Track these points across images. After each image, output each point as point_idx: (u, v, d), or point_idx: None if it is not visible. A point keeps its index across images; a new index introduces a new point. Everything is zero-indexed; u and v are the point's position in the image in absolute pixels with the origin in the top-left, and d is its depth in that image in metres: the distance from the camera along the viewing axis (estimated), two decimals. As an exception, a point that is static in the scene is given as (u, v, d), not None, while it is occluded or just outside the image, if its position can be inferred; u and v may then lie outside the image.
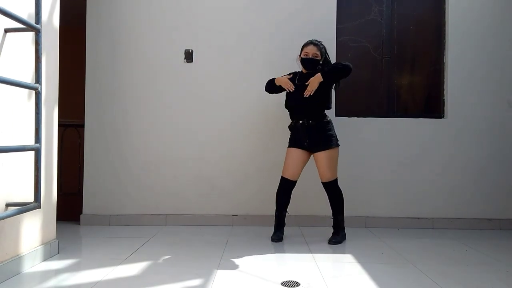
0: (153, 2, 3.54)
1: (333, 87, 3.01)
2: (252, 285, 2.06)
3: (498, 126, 3.56)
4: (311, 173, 3.13)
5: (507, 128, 3.56)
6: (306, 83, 2.88)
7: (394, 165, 3.54)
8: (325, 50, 3.01)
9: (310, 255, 2.63)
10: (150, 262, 2.42)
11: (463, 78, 3.57)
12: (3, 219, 1.95)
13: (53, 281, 2.10)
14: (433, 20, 3.69)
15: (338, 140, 2.97)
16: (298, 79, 2.99)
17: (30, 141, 2.24)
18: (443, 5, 3.66)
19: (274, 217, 3.04)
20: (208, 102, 3.54)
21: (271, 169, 3.42)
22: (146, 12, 3.53)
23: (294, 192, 3.02)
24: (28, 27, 2.08)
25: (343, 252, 2.72)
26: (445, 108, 3.61)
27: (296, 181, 2.99)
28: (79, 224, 3.46)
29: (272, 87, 3.06)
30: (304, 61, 2.97)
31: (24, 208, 2.10)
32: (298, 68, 3.07)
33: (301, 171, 2.99)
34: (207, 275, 2.18)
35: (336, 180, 2.96)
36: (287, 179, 2.97)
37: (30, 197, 2.24)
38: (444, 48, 3.64)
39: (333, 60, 3.40)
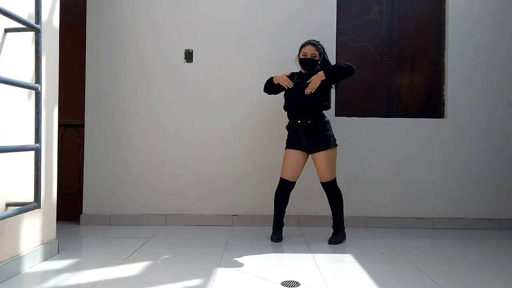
0: (153, 2, 3.54)
1: (333, 87, 3.01)
2: (252, 285, 2.06)
3: (498, 126, 3.57)
4: (311, 173, 3.12)
5: (507, 128, 3.56)
6: (308, 81, 2.88)
7: (394, 165, 3.54)
8: (324, 50, 3.01)
9: (310, 255, 2.63)
10: (150, 262, 2.42)
11: (463, 78, 3.57)
12: (3, 219, 1.95)
13: (53, 281, 2.10)
14: (433, 20, 3.69)
15: (336, 140, 2.97)
16: (297, 79, 2.98)
17: (30, 141, 2.24)
18: (443, 5, 3.66)
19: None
20: (208, 102, 3.54)
21: (271, 169, 3.42)
22: (146, 12, 3.53)
23: (294, 192, 3.02)
24: (28, 27, 2.08)
25: (343, 252, 2.72)
26: (445, 108, 3.61)
27: (295, 182, 2.99)
28: (79, 224, 3.46)
29: (270, 86, 3.05)
30: (302, 62, 2.97)
31: (24, 208, 2.10)
32: (297, 68, 3.07)
33: (300, 172, 2.99)
34: (207, 275, 2.18)
35: (335, 180, 2.96)
36: (286, 180, 2.97)
37: (30, 197, 2.24)
38: (444, 48, 3.64)
39: (332, 60, 3.40)
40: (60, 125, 2.73)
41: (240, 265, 2.39)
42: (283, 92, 3.03)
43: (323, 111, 2.97)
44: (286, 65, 3.26)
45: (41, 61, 2.19)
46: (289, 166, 2.96)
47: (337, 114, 3.55)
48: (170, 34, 3.53)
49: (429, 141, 3.55)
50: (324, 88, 2.90)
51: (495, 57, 3.57)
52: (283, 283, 2.07)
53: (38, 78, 2.18)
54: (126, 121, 3.52)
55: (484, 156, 3.56)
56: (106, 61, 3.52)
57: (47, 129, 2.48)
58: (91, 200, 3.49)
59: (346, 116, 3.57)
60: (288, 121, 3.02)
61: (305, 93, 2.85)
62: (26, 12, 2.21)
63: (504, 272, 2.32)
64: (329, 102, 2.99)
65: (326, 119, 2.98)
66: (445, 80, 3.62)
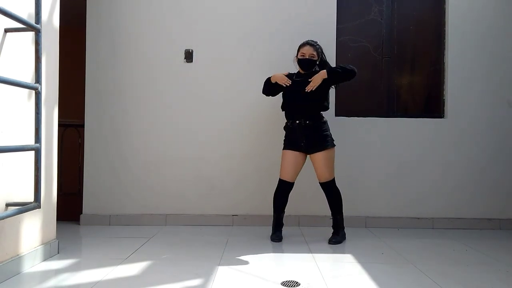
0: (153, 2, 3.54)
1: (332, 87, 3.01)
2: (252, 285, 2.06)
3: (498, 126, 3.56)
4: (310, 173, 3.12)
5: (507, 128, 3.56)
6: (309, 79, 2.88)
7: (394, 165, 3.54)
8: (322, 50, 3.01)
9: (310, 255, 2.63)
10: (150, 262, 2.42)
11: (463, 78, 3.57)
12: (3, 219, 1.95)
13: (53, 281, 2.10)
14: (433, 20, 3.69)
15: (333, 140, 2.97)
16: (296, 78, 2.98)
17: (30, 141, 2.24)
18: (443, 5, 3.66)
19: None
20: (208, 102, 3.54)
21: (271, 169, 3.41)
22: (146, 12, 3.54)
23: (293, 192, 3.02)
24: (28, 27, 2.08)
25: (343, 252, 2.72)
26: (445, 108, 3.61)
27: (293, 183, 2.99)
28: (79, 224, 3.46)
29: (268, 86, 3.04)
30: (301, 62, 2.97)
31: (24, 208, 2.10)
32: (296, 69, 3.07)
33: (299, 172, 2.99)
34: (207, 275, 2.18)
35: (333, 180, 2.96)
36: (285, 181, 2.97)
37: (30, 197, 2.24)
38: (444, 48, 3.64)
39: (332, 60, 3.41)
40: (60, 125, 2.73)
41: (240, 265, 2.39)
42: (281, 93, 3.02)
43: (322, 112, 2.97)
44: (286, 65, 3.26)
45: (41, 61, 2.19)
46: (288, 167, 2.95)
47: (337, 114, 3.56)
48: (170, 34, 3.53)
49: (429, 141, 3.55)
50: (324, 88, 2.90)
51: (495, 57, 3.57)
52: (283, 283, 2.07)
53: (38, 78, 2.18)
54: (126, 121, 3.52)
55: (484, 156, 3.56)
56: (106, 61, 3.52)
57: (47, 129, 2.48)
58: (91, 200, 3.49)
59: (346, 116, 3.57)
60: (286, 121, 3.02)
61: (306, 90, 2.85)
62: (26, 12, 2.21)
63: (504, 272, 2.32)
64: (328, 103, 2.99)
65: (324, 119, 2.97)
66: (445, 80, 3.62)
